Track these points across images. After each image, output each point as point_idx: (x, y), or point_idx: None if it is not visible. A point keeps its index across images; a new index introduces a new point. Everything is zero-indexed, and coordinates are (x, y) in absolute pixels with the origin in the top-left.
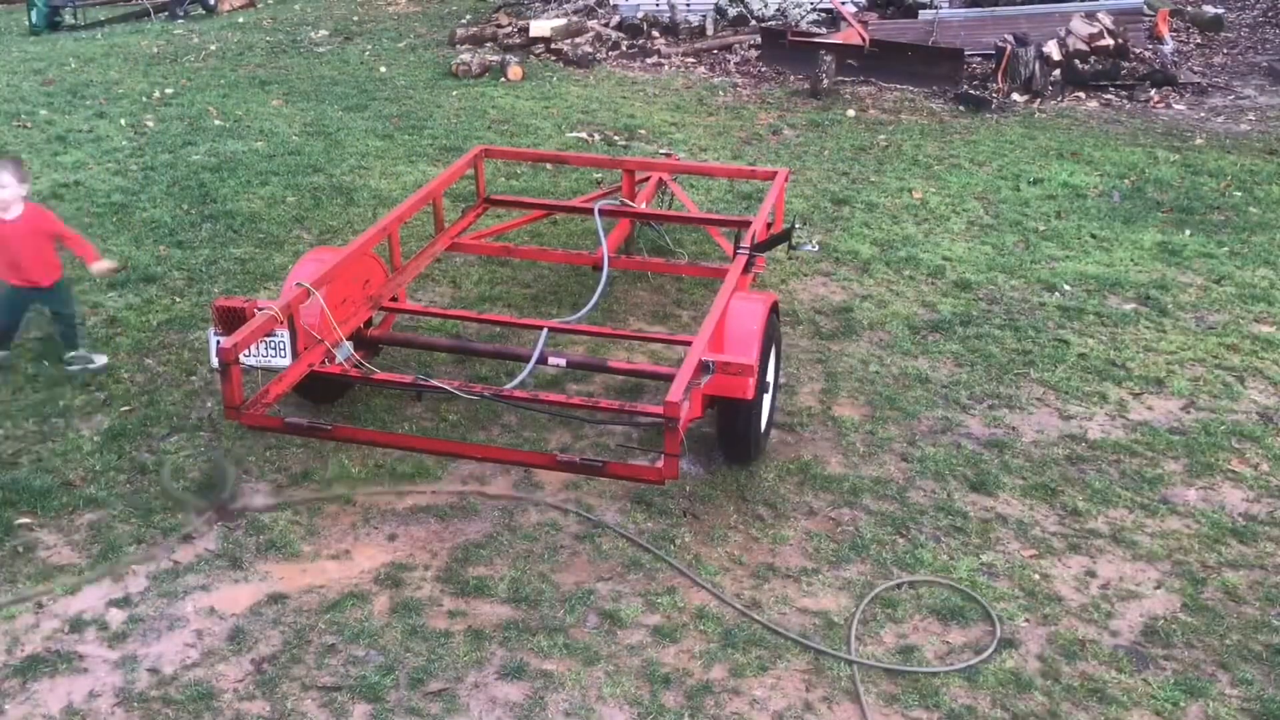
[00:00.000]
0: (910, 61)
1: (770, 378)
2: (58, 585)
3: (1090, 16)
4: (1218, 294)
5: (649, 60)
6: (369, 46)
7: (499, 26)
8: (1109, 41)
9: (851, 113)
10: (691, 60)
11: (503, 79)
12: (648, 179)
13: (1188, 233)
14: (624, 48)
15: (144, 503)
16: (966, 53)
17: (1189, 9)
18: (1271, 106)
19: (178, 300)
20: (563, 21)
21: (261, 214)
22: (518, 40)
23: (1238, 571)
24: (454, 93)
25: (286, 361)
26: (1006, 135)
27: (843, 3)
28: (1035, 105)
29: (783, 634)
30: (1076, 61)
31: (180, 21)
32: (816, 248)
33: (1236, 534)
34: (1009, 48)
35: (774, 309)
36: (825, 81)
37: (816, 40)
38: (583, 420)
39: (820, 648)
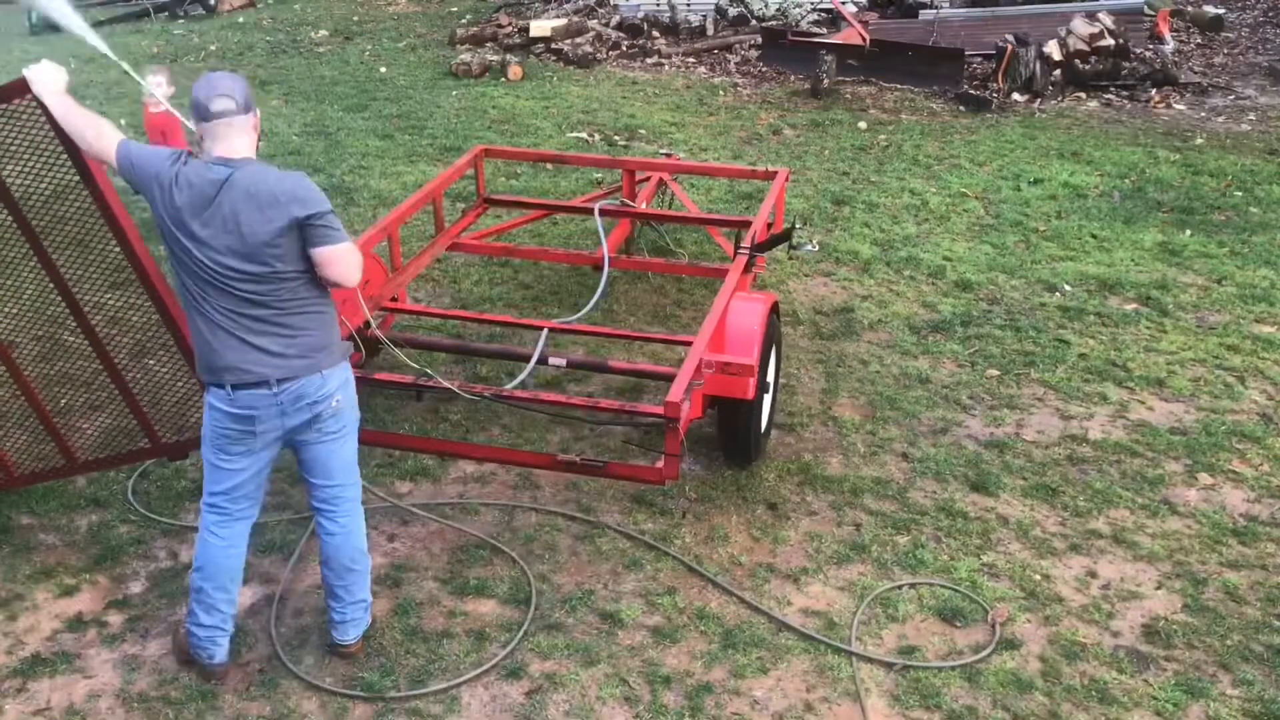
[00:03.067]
0: (911, 61)
1: (770, 378)
2: (57, 585)
3: (1091, 16)
4: (1218, 294)
5: (649, 60)
6: (369, 46)
7: (499, 26)
8: (1109, 41)
9: (863, 125)
10: (692, 60)
11: (503, 79)
12: (648, 179)
13: (1188, 233)
14: (624, 48)
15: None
16: (967, 53)
17: (1189, 9)
18: (1272, 106)
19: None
20: (563, 21)
21: None
22: (518, 40)
23: (1239, 572)
24: (454, 93)
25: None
26: (1007, 135)
27: (843, 3)
28: (1036, 105)
29: (817, 638)
30: (1077, 61)
31: (180, 21)
32: (816, 247)
33: (1237, 534)
34: (1009, 48)
35: (774, 309)
36: (826, 81)
37: (817, 40)
38: (583, 420)
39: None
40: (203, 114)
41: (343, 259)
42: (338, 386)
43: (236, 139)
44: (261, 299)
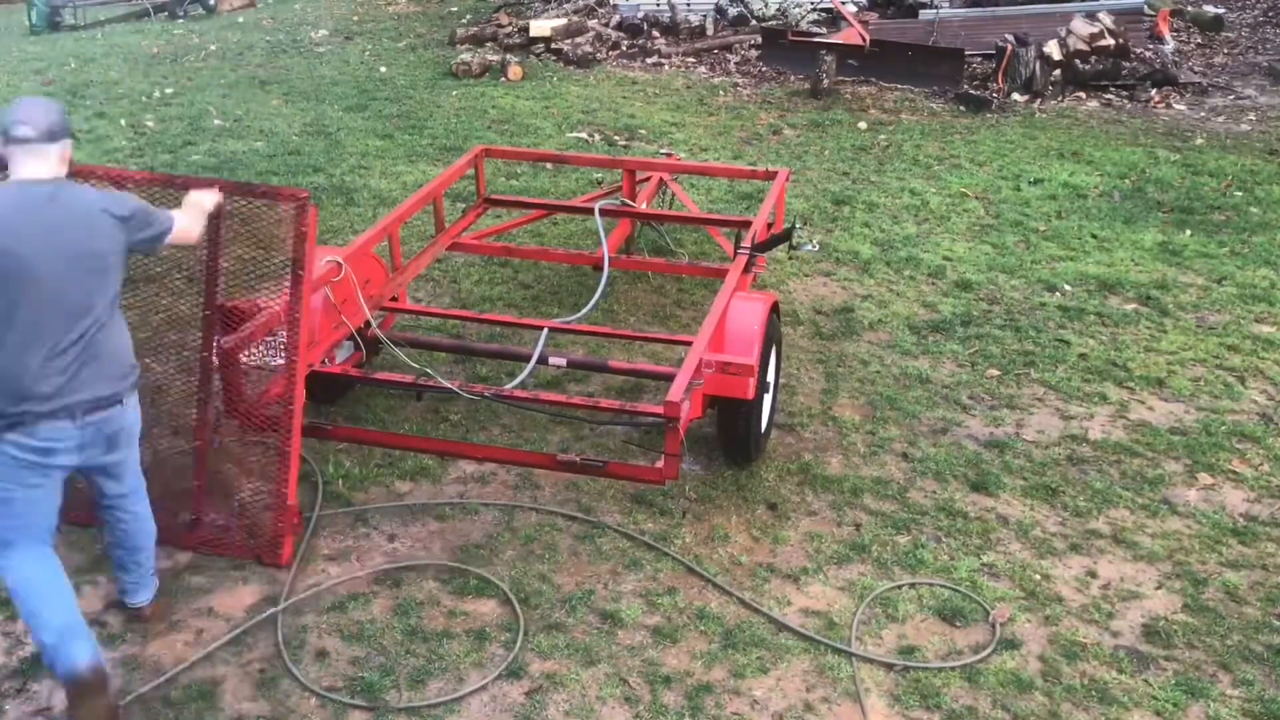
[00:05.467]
0: (911, 61)
1: (770, 378)
2: None
3: (1091, 16)
4: (1218, 294)
5: (649, 60)
6: (369, 46)
7: (499, 26)
8: (1109, 41)
9: (863, 125)
10: (692, 60)
11: (503, 79)
12: (648, 179)
13: (1188, 233)
14: (624, 47)
15: None
16: (967, 53)
17: (1189, 9)
18: (1272, 106)
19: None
20: (563, 21)
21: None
22: (518, 40)
23: (1239, 572)
24: (454, 93)
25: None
26: (1007, 135)
27: (843, 3)
28: (1036, 105)
29: (814, 638)
30: (1077, 61)
31: (180, 21)
32: (817, 247)
33: (1237, 534)
34: (1009, 48)
35: (774, 309)
36: (825, 81)
37: (817, 40)
38: (583, 420)
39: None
40: (6, 137)
41: (187, 234)
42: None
43: (41, 165)
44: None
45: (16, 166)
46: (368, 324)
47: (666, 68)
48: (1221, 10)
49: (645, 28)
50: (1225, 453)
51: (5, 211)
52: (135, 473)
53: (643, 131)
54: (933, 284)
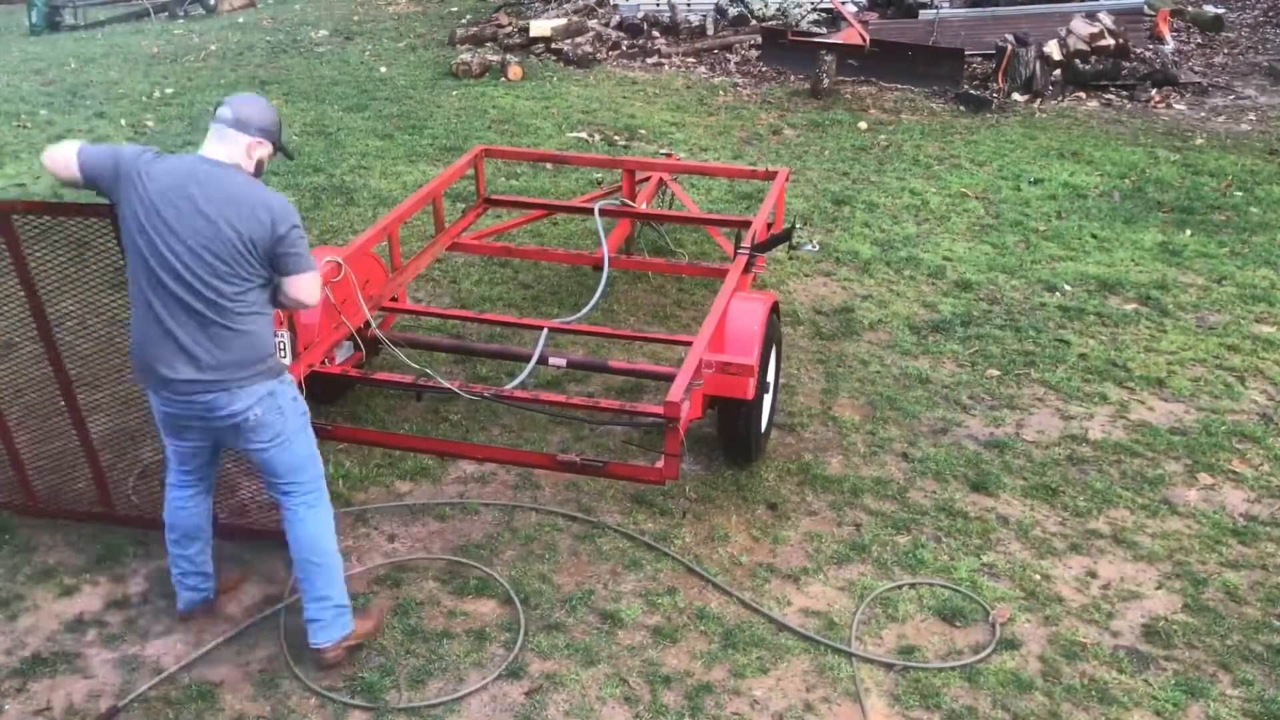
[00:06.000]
0: (911, 61)
1: (770, 378)
2: (57, 585)
3: (1091, 16)
4: (1218, 294)
5: (649, 60)
6: (369, 46)
7: (499, 26)
8: (1110, 41)
9: (863, 125)
10: (692, 60)
11: (503, 79)
12: (648, 179)
13: (1188, 233)
14: (624, 47)
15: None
16: (967, 53)
17: (1189, 9)
18: (1272, 106)
19: None
20: (563, 21)
21: None
22: (518, 40)
23: (1239, 572)
24: (454, 93)
25: (286, 362)
26: (1007, 135)
27: (843, 3)
28: (1036, 105)
29: (813, 638)
30: (1077, 61)
31: (180, 21)
32: (817, 247)
33: (1237, 534)
34: (1009, 48)
35: (774, 309)
36: (825, 81)
37: (817, 40)
38: (583, 420)
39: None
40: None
41: (308, 286)
42: (255, 402)
43: (219, 146)
44: (209, 299)
45: (206, 142)
46: (367, 324)
47: (666, 68)
48: (1221, 10)
49: (645, 28)
50: (1225, 453)
51: (167, 176)
52: (288, 470)
53: (643, 131)
54: (933, 284)
